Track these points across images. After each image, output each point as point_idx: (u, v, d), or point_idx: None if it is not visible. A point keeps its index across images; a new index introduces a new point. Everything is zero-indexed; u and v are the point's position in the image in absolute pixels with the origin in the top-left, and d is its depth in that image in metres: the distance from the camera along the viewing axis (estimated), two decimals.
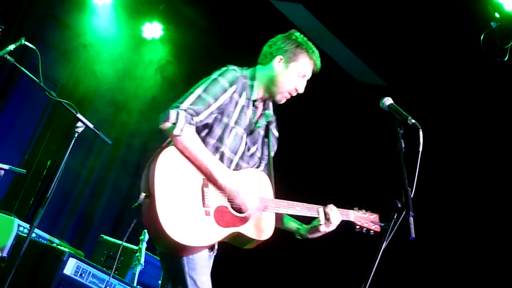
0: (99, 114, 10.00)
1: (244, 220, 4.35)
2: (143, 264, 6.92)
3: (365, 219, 4.72)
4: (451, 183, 9.36)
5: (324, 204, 4.60)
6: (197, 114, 4.27)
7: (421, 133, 3.94)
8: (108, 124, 10.19)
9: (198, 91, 4.35)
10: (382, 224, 4.73)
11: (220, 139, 4.42)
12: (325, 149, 10.64)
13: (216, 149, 4.40)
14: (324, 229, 4.56)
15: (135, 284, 6.73)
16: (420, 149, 3.89)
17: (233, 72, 4.51)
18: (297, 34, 4.70)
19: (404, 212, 3.82)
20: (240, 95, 4.50)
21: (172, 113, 4.20)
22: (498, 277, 8.63)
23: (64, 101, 5.55)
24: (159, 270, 7.46)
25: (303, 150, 10.57)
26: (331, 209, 4.56)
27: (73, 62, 9.94)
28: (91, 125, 5.59)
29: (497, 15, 7.16)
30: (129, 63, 10.25)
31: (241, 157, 4.52)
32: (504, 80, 8.52)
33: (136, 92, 10.34)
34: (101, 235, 7.83)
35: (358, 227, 4.70)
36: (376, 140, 9.16)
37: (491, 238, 8.83)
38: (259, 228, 4.42)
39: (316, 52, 4.69)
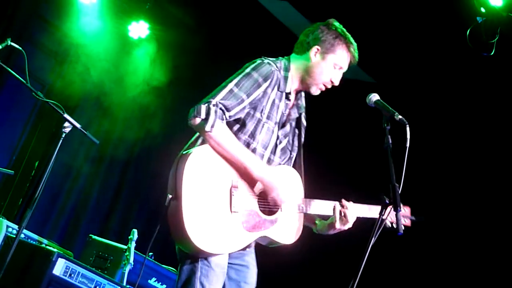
0: (87, 114, 9.99)
1: (272, 222, 4.28)
2: (132, 263, 6.90)
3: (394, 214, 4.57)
4: (439, 179, 9.38)
5: (340, 199, 4.49)
6: (229, 109, 4.13)
7: (408, 129, 3.94)
8: (96, 124, 10.17)
9: (230, 85, 4.21)
10: (413, 218, 4.59)
11: (252, 135, 4.31)
12: (312, 145, 10.62)
13: (247, 145, 4.29)
14: (339, 226, 4.44)
15: (124, 284, 6.72)
16: (407, 145, 3.90)
17: (267, 66, 4.36)
18: (336, 24, 4.59)
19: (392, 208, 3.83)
20: (273, 89, 4.37)
21: (203, 108, 4.05)
22: (485, 273, 8.67)
23: (51, 101, 5.52)
24: (148, 270, 7.51)
25: None
26: (346, 206, 4.45)
27: (60, 62, 9.91)
28: (78, 125, 5.57)
29: (482, 10, 7.18)
30: (115, 63, 10.22)
31: (273, 152, 4.44)
32: (491, 75, 8.55)
33: (123, 92, 10.31)
34: (90, 235, 7.81)
35: (388, 223, 4.46)
36: (363, 136, 9.17)
37: (479, 233, 8.86)
38: (287, 231, 4.35)
39: (355, 45, 4.59)
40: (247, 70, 4.31)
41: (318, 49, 4.50)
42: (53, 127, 9.69)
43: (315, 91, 4.57)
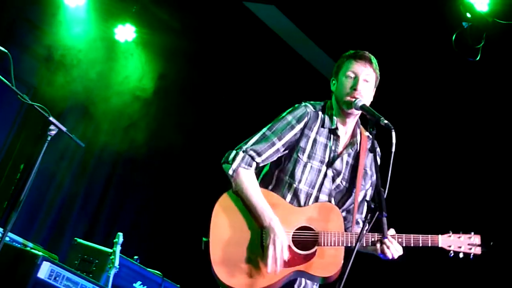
0: (73, 117, 9.96)
1: (309, 257, 4.28)
2: (118, 266, 6.89)
3: (459, 243, 4.39)
4: (424, 184, 9.41)
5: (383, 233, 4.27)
6: (259, 154, 4.37)
7: (393, 133, 3.95)
8: (82, 126, 10.14)
9: (264, 129, 4.47)
10: (484, 248, 4.39)
11: (292, 175, 4.44)
12: None
13: (289, 186, 4.44)
14: (385, 258, 4.33)
15: (109, 287, 6.70)
16: (393, 150, 3.91)
17: (302, 108, 4.53)
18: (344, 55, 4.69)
19: (377, 213, 3.83)
20: (311, 129, 4.49)
21: (232, 153, 4.36)
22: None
23: (36, 104, 5.49)
24: (133, 273, 7.50)
25: None
26: (390, 242, 4.26)
27: (46, 65, 9.86)
28: (64, 128, 5.55)
29: (468, 15, 7.21)
30: (102, 66, 10.18)
31: (320, 190, 4.47)
32: (476, 79, 8.57)
33: (108, 96, 10.27)
34: (75, 238, 7.79)
35: (451, 252, 4.37)
36: None
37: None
38: (325, 264, 4.30)
39: (354, 51, 4.64)
40: (283, 114, 4.53)
41: (332, 79, 4.65)
42: (38, 130, 9.65)
43: (346, 107, 4.50)
